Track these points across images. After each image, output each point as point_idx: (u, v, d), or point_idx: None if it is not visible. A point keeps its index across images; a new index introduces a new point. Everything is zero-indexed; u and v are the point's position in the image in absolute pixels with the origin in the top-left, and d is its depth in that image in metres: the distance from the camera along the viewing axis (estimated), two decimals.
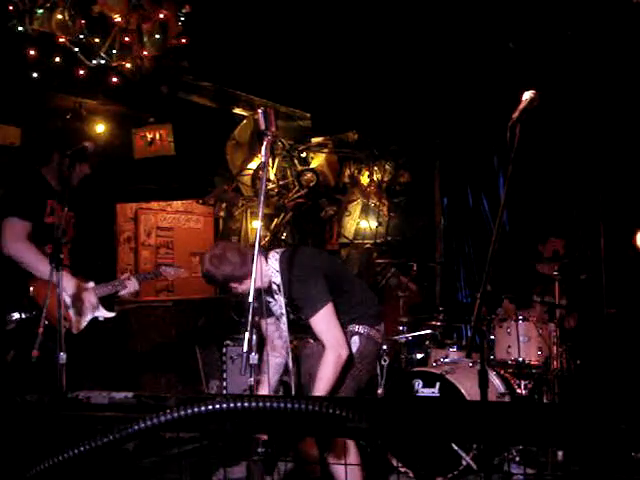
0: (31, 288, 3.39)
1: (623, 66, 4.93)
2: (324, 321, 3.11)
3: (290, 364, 3.25)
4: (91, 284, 3.63)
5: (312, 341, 3.40)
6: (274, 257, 3.25)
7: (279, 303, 3.25)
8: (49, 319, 3.07)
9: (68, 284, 3.43)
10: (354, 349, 3.21)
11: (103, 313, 3.67)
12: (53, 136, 3.78)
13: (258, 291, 3.09)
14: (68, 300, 3.46)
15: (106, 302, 3.72)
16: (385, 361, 4.66)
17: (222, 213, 6.72)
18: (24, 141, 4.97)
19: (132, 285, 3.76)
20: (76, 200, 3.55)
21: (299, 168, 7.03)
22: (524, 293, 5.22)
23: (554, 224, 5.77)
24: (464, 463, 4.00)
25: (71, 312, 3.50)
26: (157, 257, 6.53)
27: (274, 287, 3.22)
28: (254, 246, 2.73)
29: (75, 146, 3.19)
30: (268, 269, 3.22)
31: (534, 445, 3.84)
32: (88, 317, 3.57)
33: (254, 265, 2.61)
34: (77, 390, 1.99)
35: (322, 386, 3.05)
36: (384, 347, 4.64)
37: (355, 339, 3.24)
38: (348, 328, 3.23)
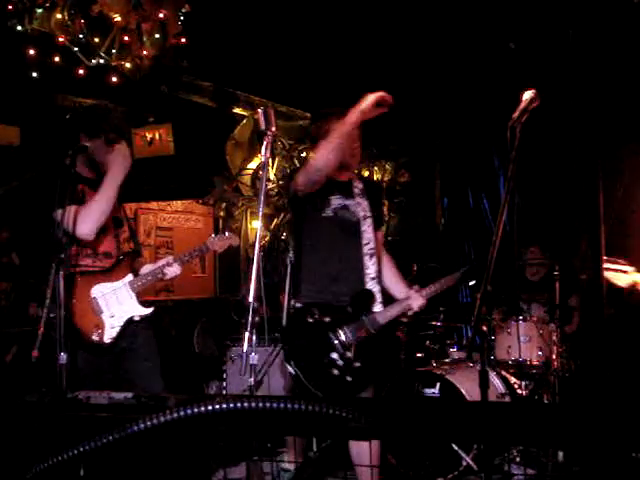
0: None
1: (623, 66, 4.92)
2: None
3: None
4: (130, 276, 3.09)
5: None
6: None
7: (362, 206, 3.36)
8: (78, 326, 2.87)
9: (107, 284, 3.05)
10: None
11: (139, 310, 3.06)
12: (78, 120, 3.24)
13: None
14: (102, 302, 3.00)
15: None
16: None
17: (222, 213, 6.71)
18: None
19: (172, 272, 3.15)
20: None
21: None
22: (512, 301, 5.19)
23: (531, 230, 5.61)
24: (464, 463, 4.00)
25: (104, 317, 2.99)
26: (157, 257, 6.53)
27: (356, 190, 3.36)
28: (254, 246, 2.72)
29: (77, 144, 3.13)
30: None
31: (534, 445, 3.83)
32: (123, 320, 3.01)
33: (254, 268, 2.59)
34: (77, 390, 1.99)
35: None
36: None
37: None
38: None
